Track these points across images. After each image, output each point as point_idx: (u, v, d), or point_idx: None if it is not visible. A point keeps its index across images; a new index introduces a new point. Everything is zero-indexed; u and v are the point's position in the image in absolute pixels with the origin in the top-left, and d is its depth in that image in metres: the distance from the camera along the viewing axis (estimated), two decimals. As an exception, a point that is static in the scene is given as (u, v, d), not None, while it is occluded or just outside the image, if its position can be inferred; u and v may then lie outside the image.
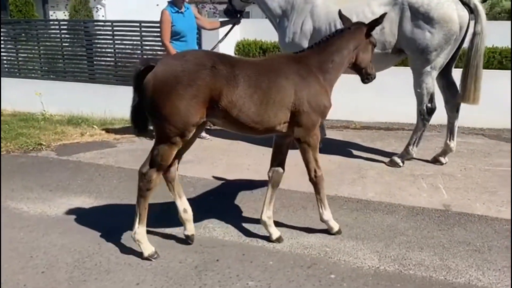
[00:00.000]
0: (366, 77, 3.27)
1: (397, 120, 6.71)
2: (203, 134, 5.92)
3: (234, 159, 5.10)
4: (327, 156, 5.08)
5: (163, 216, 3.54)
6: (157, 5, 7.57)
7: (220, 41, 5.83)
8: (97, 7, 12.17)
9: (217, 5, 10.30)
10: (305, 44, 4.88)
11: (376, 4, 4.59)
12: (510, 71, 6.30)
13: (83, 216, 3.65)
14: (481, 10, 4.34)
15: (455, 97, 4.66)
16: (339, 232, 3.32)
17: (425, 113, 4.65)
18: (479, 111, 5.67)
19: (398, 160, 4.79)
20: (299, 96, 2.90)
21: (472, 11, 4.42)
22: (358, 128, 6.50)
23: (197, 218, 3.52)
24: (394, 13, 4.47)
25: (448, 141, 4.74)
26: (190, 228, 3.18)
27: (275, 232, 3.22)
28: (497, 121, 6.33)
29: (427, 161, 4.94)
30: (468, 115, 5.47)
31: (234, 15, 5.58)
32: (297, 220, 3.57)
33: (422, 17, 4.34)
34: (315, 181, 3.16)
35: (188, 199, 3.32)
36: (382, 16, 3.19)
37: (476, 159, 5.00)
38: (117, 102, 7.28)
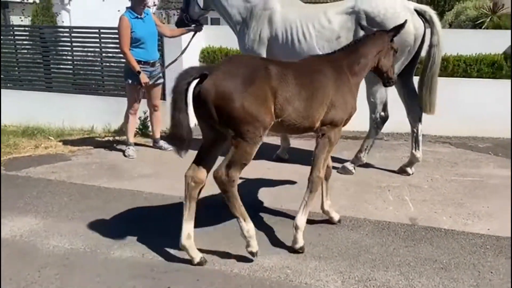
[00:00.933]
0: (388, 81, 3.48)
1: (364, 129, 6.61)
2: (165, 145, 5.68)
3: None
4: (293, 167, 4.92)
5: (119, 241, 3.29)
6: (118, 10, 7.27)
7: (183, 51, 5.62)
8: (57, 13, 11.69)
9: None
10: (263, 51, 4.75)
11: (333, 12, 4.49)
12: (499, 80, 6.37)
13: (27, 239, 3.35)
14: (437, 21, 4.29)
15: (416, 106, 4.58)
16: (302, 249, 3.14)
17: (379, 122, 4.61)
18: (445, 119, 5.67)
19: (350, 167, 4.73)
20: (334, 93, 3.09)
21: (427, 22, 4.36)
22: (350, 137, 6.37)
23: (149, 240, 3.28)
24: (351, 22, 4.38)
25: (414, 151, 4.65)
26: (254, 245, 2.95)
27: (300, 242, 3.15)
28: (463, 129, 6.33)
29: (393, 171, 4.84)
30: (434, 123, 5.44)
31: (188, 26, 5.37)
32: (260, 238, 3.36)
33: (377, 27, 4.23)
34: (313, 181, 3.15)
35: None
36: (404, 23, 3.35)
37: (443, 169, 4.93)
38: (76, 111, 6.98)
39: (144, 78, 5.14)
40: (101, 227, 3.52)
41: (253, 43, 4.78)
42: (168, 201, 4.07)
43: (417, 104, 4.57)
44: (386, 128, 6.49)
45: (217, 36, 6.88)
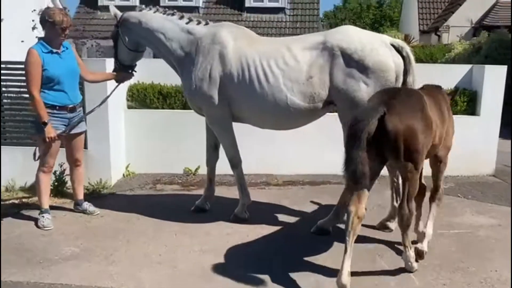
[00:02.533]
0: None
1: (320, 172, 6.01)
2: (91, 208, 4.54)
3: (138, 246, 3.82)
4: (254, 228, 4.08)
5: None
6: (22, 41, 6.01)
7: (109, 95, 4.64)
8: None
9: (101, 40, 8.74)
10: (214, 92, 3.97)
11: (299, 47, 3.84)
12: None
13: None
14: (413, 59, 3.80)
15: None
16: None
17: None
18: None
19: (327, 226, 4.05)
20: (448, 120, 3.48)
21: (403, 59, 3.84)
22: (281, 184, 5.62)
23: None
24: (323, 60, 3.74)
25: (395, 203, 4.05)
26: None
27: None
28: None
29: (373, 227, 4.20)
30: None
31: (122, 71, 4.47)
32: None
33: (356, 65, 3.66)
34: (439, 198, 3.71)
35: None
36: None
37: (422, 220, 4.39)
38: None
39: (49, 131, 3.99)
40: None
41: (201, 83, 3.95)
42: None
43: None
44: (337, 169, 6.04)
45: (147, 71, 5.89)
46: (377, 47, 3.69)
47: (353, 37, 3.74)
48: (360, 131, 2.72)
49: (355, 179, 2.79)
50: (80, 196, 4.59)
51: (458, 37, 16.56)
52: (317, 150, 5.93)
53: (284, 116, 3.93)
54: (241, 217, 4.32)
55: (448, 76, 6.13)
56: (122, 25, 4.25)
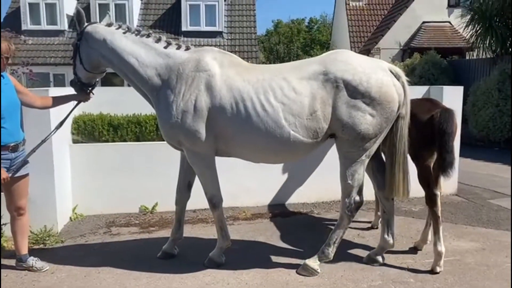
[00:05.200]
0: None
1: (288, 201, 5.71)
2: (38, 263, 3.86)
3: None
4: (234, 274, 3.64)
5: None
6: None
7: (59, 126, 4.00)
8: None
9: (33, 67, 7.87)
10: (201, 126, 3.50)
11: (296, 77, 3.51)
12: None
13: None
14: (408, 90, 3.63)
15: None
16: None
17: (353, 208, 3.68)
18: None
19: (314, 265, 3.70)
20: None
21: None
22: (249, 217, 5.23)
23: None
24: (326, 92, 3.44)
25: (385, 236, 3.82)
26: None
27: None
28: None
29: (359, 261, 3.93)
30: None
31: (81, 89, 3.89)
32: None
33: (361, 97, 3.41)
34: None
35: None
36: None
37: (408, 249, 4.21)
38: None
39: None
40: None
41: (185, 115, 3.48)
42: None
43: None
44: (310, 197, 5.80)
45: (95, 100, 5.24)
46: (381, 77, 3.47)
47: (356, 67, 3.46)
48: (452, 134, 3.65)
49: (452, 167, 3.67)
50: (24, 250, 3.88)
51: (390, 59, 17.35)
52: (281, 178, 5.64)
53: (283, 152, 3.58)
54: (217, 261, 3.86)
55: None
56: (83, 39, 3.69)
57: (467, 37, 13.61)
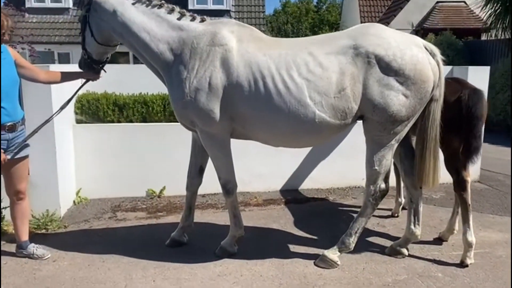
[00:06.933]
0: None
1: (301, 186, 5.45)
2: (39, 250, 3.64)
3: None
4: (247, 265, 3.40)
5: None
6: None
7: (65, 104, 3.70)
8: None
9: (37, 45, 7.55)
10: (216, 106, 3.21)
11: (323, 52, 3.18)
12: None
13: None
14: (443, 69, 3.29)
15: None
16: None
17: (378, 196, 3.40)
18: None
19: (334, 257, 3.45)
20: None
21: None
22: (261, 203, 4.97)
23: None
24: (356, 68, 3.12)
25: (412, 226, 3.54)
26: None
27: None
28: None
29: (381, 252, 3.67)
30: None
31: (91, 67, 3.58)
32: None
33: (394, 75, 3.09)
34: None
35: None
36: None
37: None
38: None
39: None
40: None
41: (198, 94, 3.19)
42: None
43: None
44: (324, 182, 5.52)
45: (100, 78, 5.00)
46: (416, 54, 3.14)
47: (389, 41, 3.14)
48: (481, 117, 3.44)
49: (478, 153, 3.52)
50: (25, 236, 3.66)
51: (402, 40, 16.82)
52: (293, 162, 5.37)
53: (306, 135, 3.28)
54: (229, 250, 3.62)
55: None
56: (92, 9, 3.38)
57: (483, 18, 13.12)
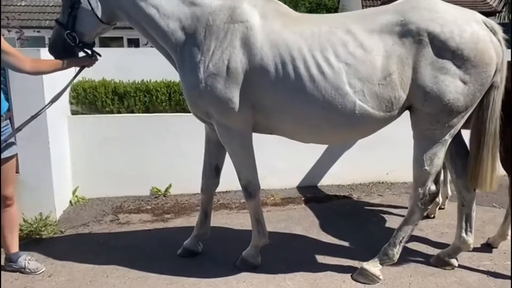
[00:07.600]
0: None
1: (320, 183, 4.98)
2: (32, 264, 3.15)
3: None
4: (274, 280, 2.93)
5: None
6: None
7: (59, 94, 3.12)
8: None
9: (27, 30, 6.95)
10: (235, 93, 2.70)
11: (364, 30, 2.67)
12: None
13: None
14: (505, 50, 2.77)
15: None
16: None
17: (427, 200, 2.93)
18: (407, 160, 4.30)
19: (375, 270, 2.99)
20: None
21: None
22: (279, 202, 4.50)
23: None
24: (404, 49, 2.61)
25: (463, 234, 3.07)
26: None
27: None
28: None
29: (426, 262, 3.22)
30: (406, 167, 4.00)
31: (69, 53, 2.97)
32: None
33: (451, 57, 2.58)
34: None
35: None
36: None
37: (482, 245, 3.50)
38: None
39: None
40: None
41: (215, 80, 2.68)
42: None
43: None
44: (345, 178, 5.03)
45: (97, 64, 4.42)
46: (477, 31, 2.62)
47: (445, 15, 2.63)
48: None
49: None
50: (14, 248, 3.16)
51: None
52: (312, 156, 4.89)
53: (344, 129, 2.79)
54: (252, 262, 3.14)
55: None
56: None
57: (490, 1, 12.81)
